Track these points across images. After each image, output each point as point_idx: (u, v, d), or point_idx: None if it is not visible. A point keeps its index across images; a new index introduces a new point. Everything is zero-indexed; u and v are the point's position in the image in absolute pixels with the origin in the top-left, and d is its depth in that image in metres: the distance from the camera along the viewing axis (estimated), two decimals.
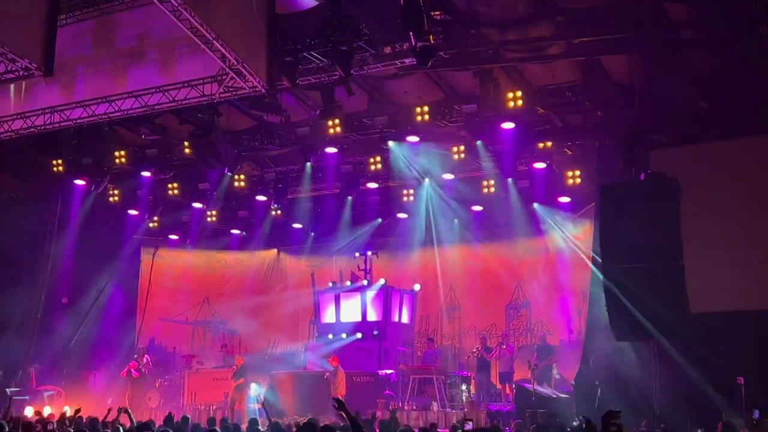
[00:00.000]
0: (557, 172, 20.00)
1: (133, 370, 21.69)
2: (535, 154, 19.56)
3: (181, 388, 22.64)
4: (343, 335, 22.98)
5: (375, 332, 22.89)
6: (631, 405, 16.03)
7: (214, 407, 20.90)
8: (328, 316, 24.40)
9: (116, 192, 22.89)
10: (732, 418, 13.60)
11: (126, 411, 13.29)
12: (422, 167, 20.97)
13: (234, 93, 15.29)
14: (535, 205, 21.56)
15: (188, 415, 15.23)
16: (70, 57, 15.78)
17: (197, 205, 24.07)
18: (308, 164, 21.08)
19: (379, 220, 24.66)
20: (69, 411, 14.83)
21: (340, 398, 19.02)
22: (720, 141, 16.63)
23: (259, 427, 13.15)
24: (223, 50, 13.69)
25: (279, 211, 23.88)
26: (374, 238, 24.73)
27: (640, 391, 16.51)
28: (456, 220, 23.59)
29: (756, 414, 12.62)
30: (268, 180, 22.71)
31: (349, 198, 22.73)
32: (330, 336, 23.28)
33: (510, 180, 20.39)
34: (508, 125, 17.99)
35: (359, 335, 22.81)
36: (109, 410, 13.69)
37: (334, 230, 24.50)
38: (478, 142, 19.13)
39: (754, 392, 13.94)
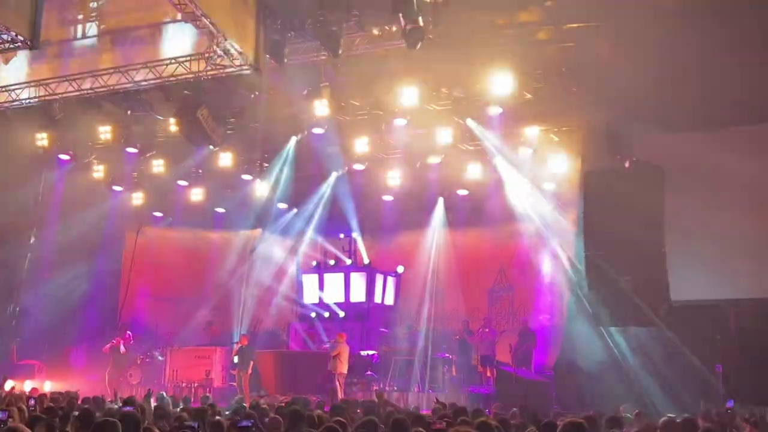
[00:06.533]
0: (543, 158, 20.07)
1: (122, 346, 21.65)
2: (522, 138, 19.61)
3: (163, 365, 22.63)
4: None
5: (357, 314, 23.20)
6: (610, 390, 16.24)
7: (196, 385, 20.92)
8: (311, 295, 24.46)
9: (101, 168, 22.77)
10: (709, 405, 13.78)
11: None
12: (408, 149, 20.96)
13: (221, 71, 15.23)
14: (517, 189, 21.65)
15: (164, 393, 15.30)
16: (57, 31, 15.66)
17: (182, 182, 24.00)
18: (293, 141, 21.03)
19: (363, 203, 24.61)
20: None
21: (343, 374, 19.26)
22: (706, 131, 16.76)
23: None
24: (211, 28, 13.63)
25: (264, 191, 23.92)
26: (359, 219, 24.71)
27: (619, 376, 16.70)
28: (441, 204, 23.63)
29: (730, 403, 12.74)
30: (254, 159, 22.65)
31: (335, 178, 22.68)
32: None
33: (495, 164, 20.46)
34: (496, 109, 17.99)
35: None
36: None
37: (319, 211, 24.49)
38: (469, 121, 19.12)
39: (733, 380, 14.08)
